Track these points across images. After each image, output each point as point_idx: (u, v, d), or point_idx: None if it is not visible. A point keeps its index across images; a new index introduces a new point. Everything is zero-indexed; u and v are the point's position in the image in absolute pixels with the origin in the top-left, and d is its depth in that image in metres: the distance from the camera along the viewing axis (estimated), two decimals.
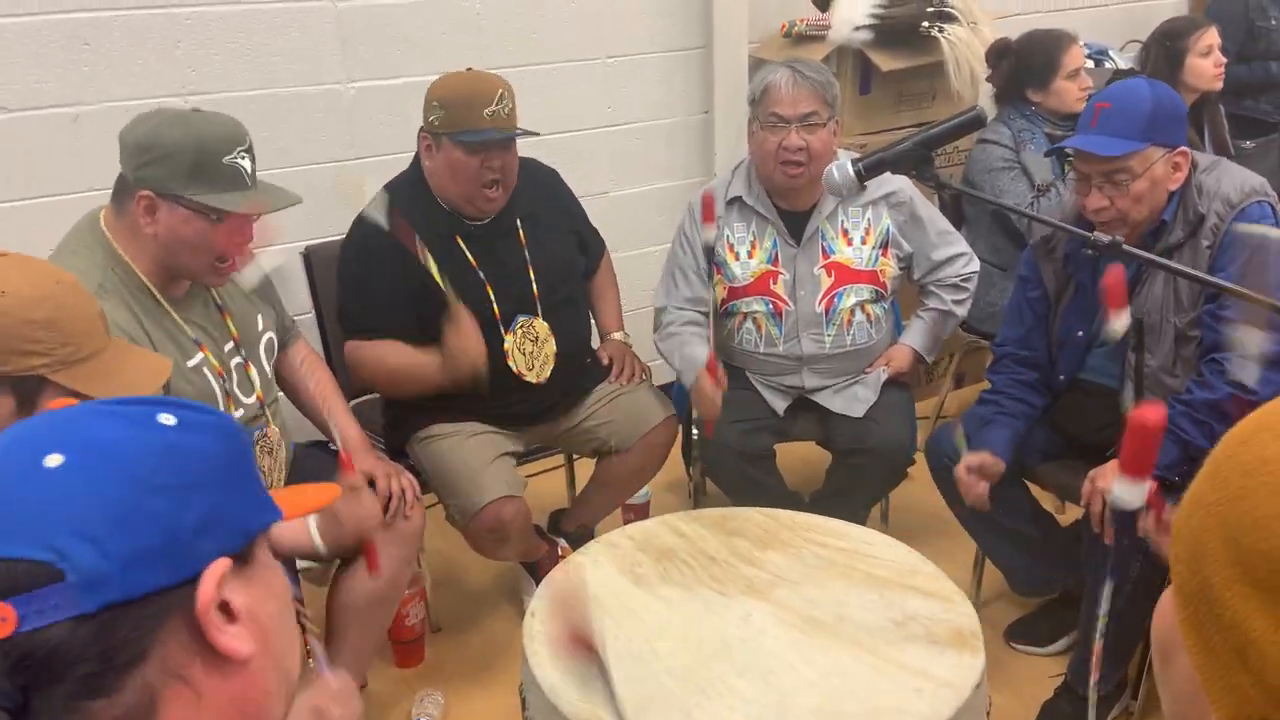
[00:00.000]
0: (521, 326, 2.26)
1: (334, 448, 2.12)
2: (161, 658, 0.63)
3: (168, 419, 0.68)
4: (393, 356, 2.19)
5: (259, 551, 0.71)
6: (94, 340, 1.33)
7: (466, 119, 2.09)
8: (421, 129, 2.20)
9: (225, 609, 0.66)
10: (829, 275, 2.33)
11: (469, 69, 2.21)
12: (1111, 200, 1.87)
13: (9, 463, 0.64)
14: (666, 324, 2.43)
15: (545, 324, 2.28)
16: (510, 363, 2.24)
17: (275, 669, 0.70)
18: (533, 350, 2.26)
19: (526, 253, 2.28)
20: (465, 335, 2.09)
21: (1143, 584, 1.96)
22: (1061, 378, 2.10)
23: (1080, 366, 2.09)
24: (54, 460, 0.63)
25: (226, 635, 0.65)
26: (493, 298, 2.22)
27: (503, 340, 2.23)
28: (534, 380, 2.27)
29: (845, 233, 2.34)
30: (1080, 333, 2.05)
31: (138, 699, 0.62)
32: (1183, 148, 1.90)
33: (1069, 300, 2.06)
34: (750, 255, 2.36)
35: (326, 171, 2.69)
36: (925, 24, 3.05)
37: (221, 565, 0.65)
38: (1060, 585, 2.34)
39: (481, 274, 2.22)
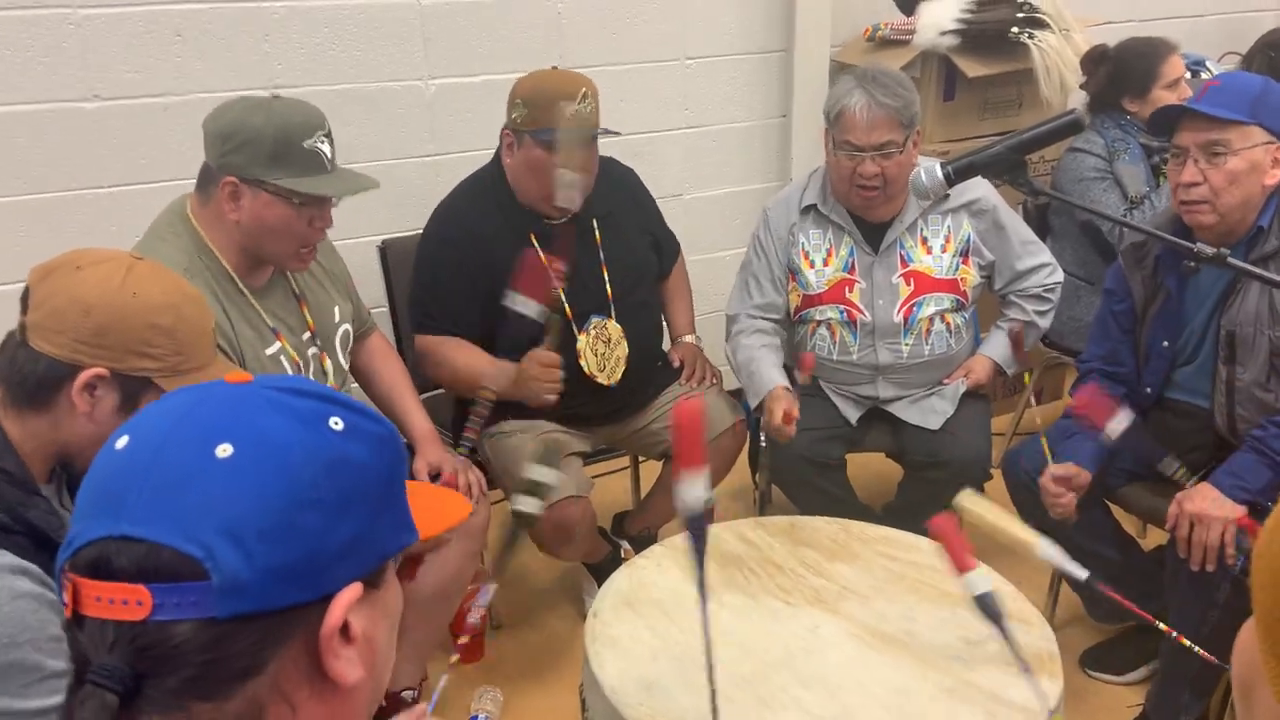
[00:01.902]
0: (595, 328, 2.24)
1: (403, 440, 2.14)
2: (275, 674, 0.62)
3: (337, 423, 0.66)
4: (462, 358, 2.19)
5: (388, 573, 0.70)
6: (203, 354, 1.35)
7: (549, 118, 2.08)
8: (505, 127, 2.20)
9: (344, 630, 0.64)
10: (908, 284, 2.27)
11: (553, 67, 2.20)
12: (1205, 175, 1.80)
13: (180, 443, 0.63)
14: (736, 332, 2.40)
15: (619, 326, 2.27)
16: (582, 363, 2.22)
17: (373, 690, 0.69)
18: (605, 352, 2.25)
19: (601, 253, 2.27)
20: (546, 368, 2.08)
21: (1229, 612, 1.87)
22: (1149, 390, 2.02)
23: (1167, 379, 2.01)
24: (224, 451, 0.62)
25: (341, 660, 0.64)
26: (564, 298, 2.21)
27: (575, 340, 2.22)
28: (605, 382, 2.26)
29: (924, 240, 2.28)
30: (1166, 343, 1.97)
31: (243, 710, 0.61)
32: None
33: (1157, 310, 1.99)
34: (826, 263, 2.31)
35: (406, 167, 2.72)
36: (1015, 30, 2.97)
37: (354, 592, 0.64)
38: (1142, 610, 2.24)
39: (554, 274, 2.21)
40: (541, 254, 1.98)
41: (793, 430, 2.13)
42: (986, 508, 1.48)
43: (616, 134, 2.17)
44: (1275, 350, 1.84)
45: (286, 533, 0.61)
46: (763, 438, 2.49)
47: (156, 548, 0.59)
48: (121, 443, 0.65)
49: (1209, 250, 1.32)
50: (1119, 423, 1.63)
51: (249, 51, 2.48)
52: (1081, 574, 1.38)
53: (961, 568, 1.22)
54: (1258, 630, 0.59)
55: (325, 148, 1.72)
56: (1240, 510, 1.79)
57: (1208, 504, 1.80)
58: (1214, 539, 1.79)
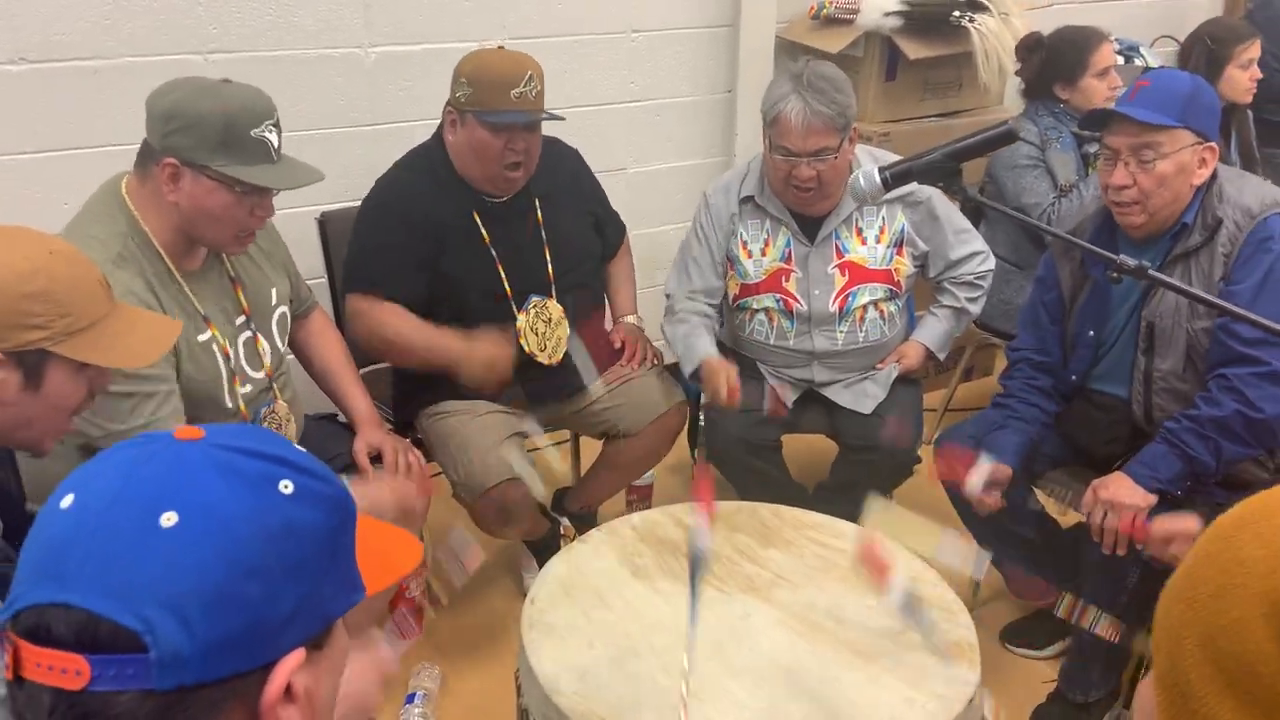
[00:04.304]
0: (535, 307, 2.25)
1: (342, 420, 2.14)
2: None
3: (287, 486, 0.66)
4: (396, 324, 2.16)
5: (334, 632, 0.70)
6: (95, 308, 1.32)
7: (493, 99, 2.07)
8: (448, 103, 2.18)
9: (287, 691, 0.64)
10: (843, 274, 2.31)
11: (500, 46, 2.19)
12: (1135, 179, 1.85)
13: (124, 508, 0.62)
14: (676, 311, 2.42)
15: (559, 306, 2.28)
16: (523, 342, 2.23)
17: None
18: (545, 331, 2.26)
19: (543, 233, 2.27)
20: (498, 353, 2.09)
21: (1139, 594, 1.97)
22: (1073, 378, 2.10)
23: (1091, 366, 2.08)
24: (169, 520, 0.61)
25: None
26: (504, 276, 2.21)
27: (515, 319, 2.22)
28: (546, 361, 2.27)
29: (859, 232, 2.32)
30: (1091, 332, 2.04)
31: None
32: (1212, 143, 1.88)
33: (1084, 299, 2.05)
34: (763, 254, 2.34)
35: (345, 137, 2.68)
36: (956, 13, 3.01)
37: (296, 658, 0.64)
38: (1062, 587, 2.34)
39: (494, 252, 2.21)
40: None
41: (738, 399, 2.15)
42: (893, 517, 1.58)
43: (561, 119, 2.16)
44: (1193, 343, 1.91)
45: (229, 604, 0.61)
46: (701, 417, 2.53)
47: (95, 619, 0.59)
48: (66, 501, 0.64)
49: (1130, 262, 1.37)
50: (978, 476, 1.72)
51: (183, 15, 2.41)
52: (979, 574, 1.48)
53: (881, 586, 1.31)
54: (1155, 690, 0.62)
55: (272, 137, 1.70)
56: (1151, 499, 1.88)
57: (1121, 492, 1.88)
58: (1125, 525, 1.88)
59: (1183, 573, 0.62)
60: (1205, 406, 1.86)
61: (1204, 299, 1.43)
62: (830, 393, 2.40)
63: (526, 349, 2.24)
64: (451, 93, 2.16)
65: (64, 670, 0.59)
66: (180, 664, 0.60)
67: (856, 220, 2.31)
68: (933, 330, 2.44)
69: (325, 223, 2.49)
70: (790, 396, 2.43)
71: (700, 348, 2.30)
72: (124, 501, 0.62)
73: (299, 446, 0.73)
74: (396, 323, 2.16)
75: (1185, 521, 1.61)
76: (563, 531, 2.51)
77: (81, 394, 1.36)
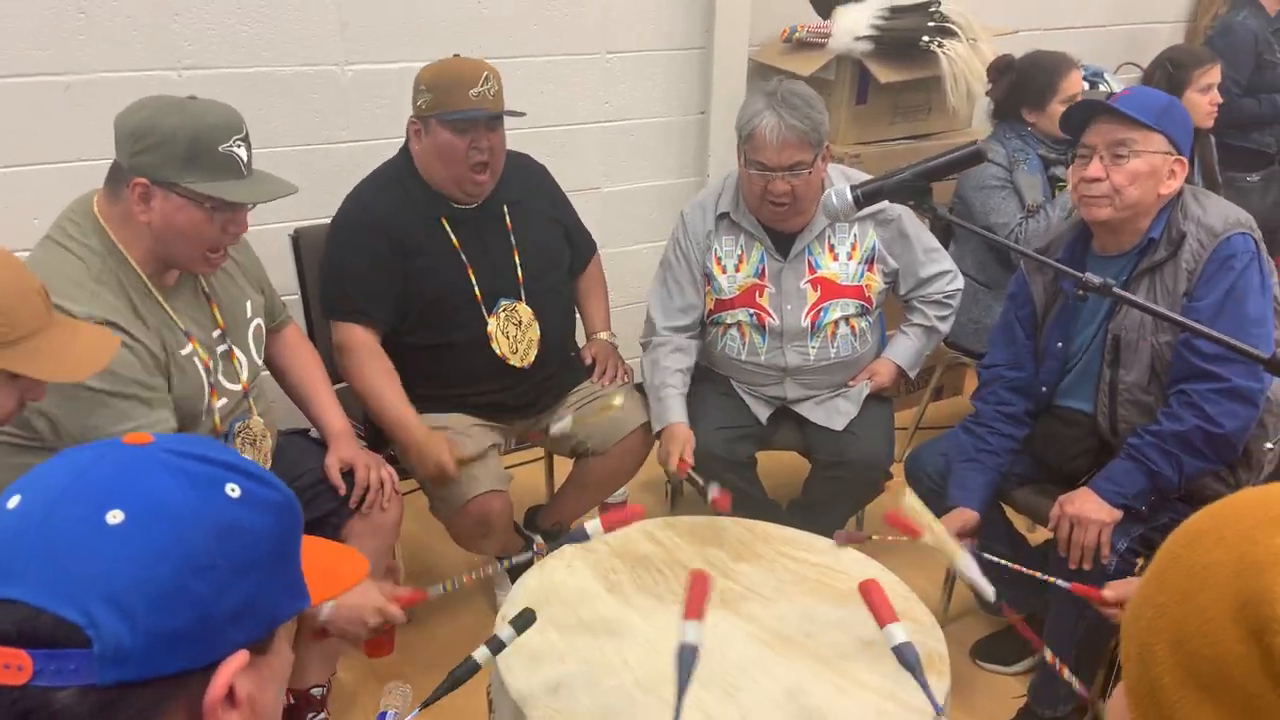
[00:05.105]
0: (505, 310, 2.27)
1: (315, 435, 2.13)
2: None
3: (234, 490, 0.66)
4: (378, 388, 2.19)
5: (278, 638, 0.70)
6: (30, 319, 1.30)
7: (453, 100, 2.11)
8: (411, 116, 2.21)
9: (229, 695, 0.64)
10: (815, 290, 2.34)
11: (455, 55, 2.22)
12: (1108, 173, 1.90)
13: (71, 506, 0.62)
14: (656, 344, 2.44)
15: (529, 309, 2.29)
16: (493, 345, 2.25)
17: None
18: (516, 334, 2.28)
19: (512, 238, 2.30)
20: (449, 457, 2.12)
21: (1086, 645, 2.00)
22: (1044, 389, 2.13)
23: (1059, 379, 2.11)
24: (115, 517, 0.61)
25: None
26: (474, 280, 2.23)
27: (485, 323, 2.24)
28: (518, 364, 2.28)
29: (832, 248, 2.35)
30: (1060, 344, 2.08)
31: None
32: (1183, 158, 1.93)
33: (1055, 314, 2.09)
34: (738, 269, 2.36)
35: (320, 153, 2.68)
36: (925, 38, 3.06)
37: (240, 659, 0.64)
38: (1027, 606, 2.37)
39: (464, 256, 2.23)
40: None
41: (684, 474, 2.22)
42: (926, 511, 1.65)
43: (521, 114, 2.19)
44: (1156, 356, 1.95)
45: (173, 600, 0.61)
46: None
47: (38, 612, 0.59)
48: (13, 502, 0.64)
49: (1095, 280, 1.40)
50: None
51: (156, 31, 2.41)
52: (989, 591, 1.57)
53: (883, 622, 1.35)
54: (1127, 699, 0.62)
55: (241, 151, 1.69)
56: (1116, 514, 1.91)
57: (1087, 507, 1.91)
58: (1090, 540, 1.90)
59: (1148, 580, 0.63)
60: (1167, 421, 1.90)
61: (1165, 315, 1.46)
62: (803, 409, 2.42)
63: (498, 352, 2.26)
64: (413, 104, 2.19)
65: (6, 665, 0.58)
66: (123, 659, 0.59)
67: (829, 237, 2.34)
68: (903, 348, 2.47)
69: (299, 239, 2.48)
70: (764, 413, 2.44)
71: (672, 413, 2.33)
72: (70, 500, 0.62)
73: (246, 454, 0.74)
74: (379, 386, 2.19)
75: (1135, 586, 1.63)
76: (536, 548, 2.50)
77: (11, 405, 1.35)
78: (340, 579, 0.78)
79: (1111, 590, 1.62)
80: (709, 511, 2.39)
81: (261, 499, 0.68)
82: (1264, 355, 1.28)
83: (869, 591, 1.39)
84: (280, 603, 0.69)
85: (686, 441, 2.27)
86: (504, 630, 1.37)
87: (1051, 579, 1.77)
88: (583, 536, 1.66)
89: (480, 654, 1.35)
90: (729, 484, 2.37)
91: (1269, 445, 1.88)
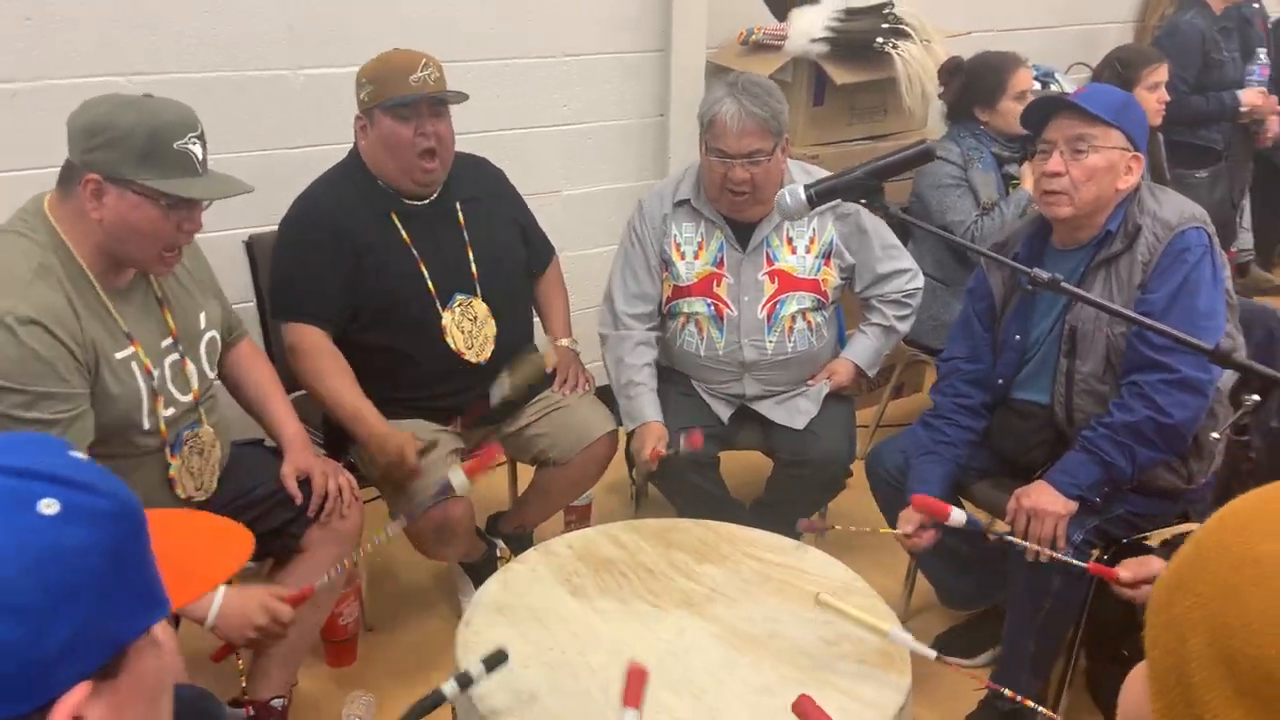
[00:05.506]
0: (460, 305, 2.26)
1: (271, 445, 2.10)
2: None
3: (50, 506, 0.58)
4: (334, 384, 2.17)
5: (129, 657, 0.62)
6: None
7: (394, 87, 2.12)
8: (356, 114, 2.21)
9: None
10: (772, 282, 2.35)
11: (394, 49, 2.21)
12: (1068, 168, 1.93)
13: None
14: (619, 338, 2.43)
15: (485, 305, 2.28)
16: (449, 340, 2.23)
17: None
18: (472, 329, 2.27)
19: (466, 234, 2.29)
20: (410, 450, 2.10)
21: (1062, 599, 2.02)
22: (1000, 381, 2.15)
23: (1017, 371, 2.14)
24: None
25: None
26: (427, 275, 2.22)
27: (440, 318, 2.22)
28: (474, 360, 2.27)
29: (790, 241, 2.36)
30: (1018, 336, 2.10)
31: None
32: (1139, 154, 1.97)
33: (1014, 307, 2.12)
34: (696, 256, 2.38)
35: (273, 159, 2.65)
36: (880, 40, 3.09)
37: (79, 693, 0.58)
38: (987, 600, 2.40)
39: (416, 252, 2.22)
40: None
41: (654, 467, 2.25)
42: (843, 607, 1.63)
43: (464, 96, 2.18)
44: (1111, 346, 1.98)
45: None
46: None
47: None
48: None
49: (1044, 275, 1.42)
50: (958, 515, 1.81)
51: (103, 38, 2.37)
52: (930, 653, 1.56)
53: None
54: (1150, 686, 0.58)
55: (197, 149, 1.68)
56: (1072, 506, 1.94)
57: (1043, 500, 1.94)
58: (1047, 532, 1.93)
59: (1187, 564, 0.58)
60: (1118, 413, 1.93)
61: (1108, 308, 1.50)
62: (763, 408, 2.43)
63: (454, 347, 2.25)
64: (357, 100, 2.19)
65: None
66: None
67: (787, 229, 2.36)
68: (862, 348, 2.49)
69: (253, 245, 2.46)
70: (726, 413, 2.45)
71: (645, 411, 2.35)
72: None
73: (77, 453, 0.65)
74: (334, 384, 2.17)
75: (1152, 565, 1.66)
76: (499, 554, 2.49)
77: None
78: (210, 572, 0.71)
79: (1127, 570, 1.65)
80: (673, 514, 2.40)
81: (88, 510, 0.60)
82: (1208, 347, 1.30)
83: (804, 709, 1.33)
84: (122, 621, 0.61)
85: (660, 437, 2.28)
86: (474, 666, 1.37)
87: (1066, 559, 1.80)
88: (447, 490, 1.88)
89: (448, 688, 1.35)
90: (692, 484, 2.39)
91: (1214, 435, 1.92)
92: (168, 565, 0.66)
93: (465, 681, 1.36)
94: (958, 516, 1.81)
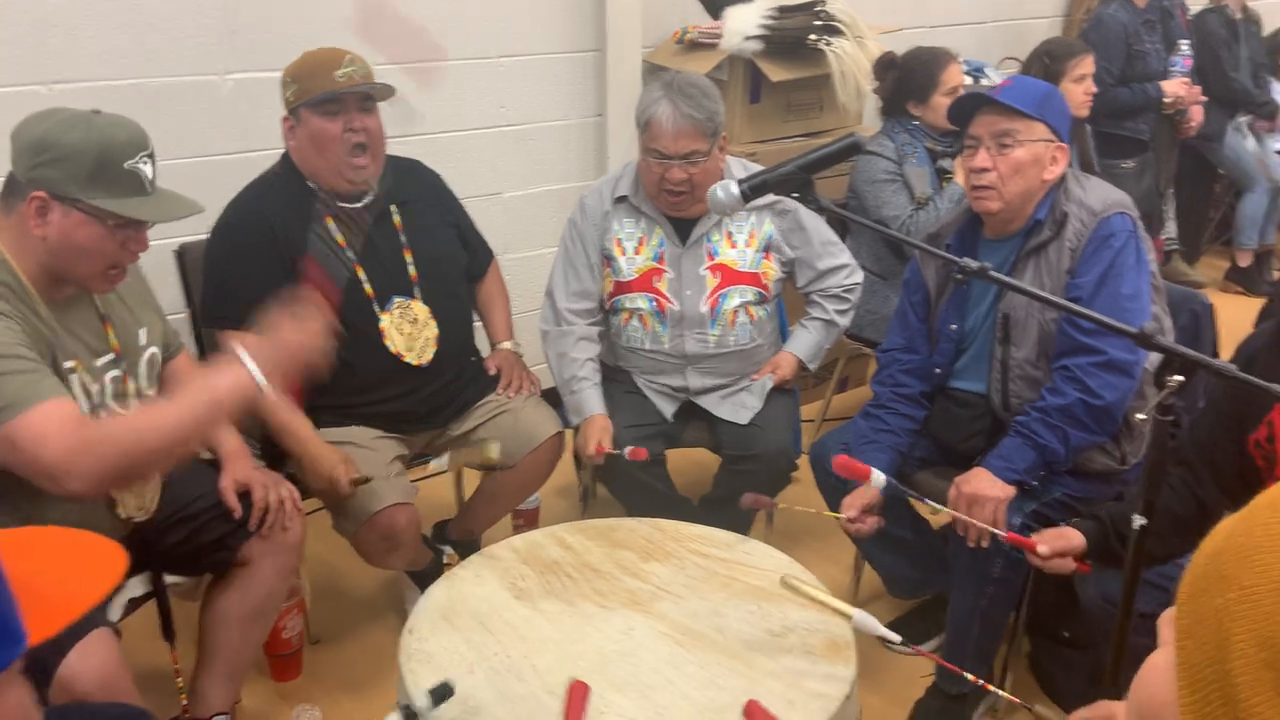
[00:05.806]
0: (399, 307, 2.24)
1: (207, 457, 2.06)
2: None
3: None
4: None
5: None
6: None
7: (318, 84, 2.10)
8: (284, 115, 2.18)
9: None
10: (714, 276, 2.37)
11: (319, 47, 2.19)
12: (994, 163, 1.97)
13: None
14: (560, 333, 2.43)
15: (425, 307, 2.26)
16: (388, 342, 2.21)
17: None
18: (412, 332, 2.24)
19: (402, 237, 2.27)
20: (344, 469, 2.07)
21: (1003, 584, 2.06)
22: (938, 371, 2.19)
23: (954, 360, 2.17)
24: None
25: None
26: (364, 278, 2.20)
27: (378, 320, 2.20)
28: (415, 362, 2.25)
29: (730, 235, 2.38)
30: (954, 326, 2.14)
31: None
32: (1064, 144, 2.01)
33: (948, 297, 2.15)
34: (637, 252, 2.38)
35: (206, 165, 2.60)
36: (813, 36, 3.12)
37: None
38: (933, 588, 2.43)
39: (351, 254, 2.20)
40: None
41: (600, 461, 2.26)
42: (810, 590, 1.68)
43: (391, 90, 2.16)
44: (1044, 332, 2.03)
45: None
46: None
47: None
48: None
49: (973, 264, 1.44)
50: (876, 478, 1.84)
51: (18, 45, 2.30)
52: (895, 638, 1.63)
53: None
54: (1179, 680, 0.54)
55: (147, 168, 1.65)
56: (1010, 490, 1.97)
57: (981, 486, 1.97)
58: (986, 517, 1.96)
59: (1230, 554, 0.53)
60: (1050, 396, 1.97)
61: (1037, 295, 1.53)
62: (708, 404, 2.44)
63: (394, 349, 2.22)
64: (283, 101, 2.16)
65: None
66: None
67: (727, 225, 2.37)
68: (804, 342, 2.51)
69: (184, 254, 2.41)
70: (669, 410, 2.46)
71: (590, 405, 2.36)
72: None
73: None
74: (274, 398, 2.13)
75: (1071, 537, 1.70)
76: (446, 560, 2.47)
77: None
78: (77, 597, 0.67)
79: (1044, 543, 1.68)
80: (622, 514, 2.39)
81: None
82: (1132, 330, 1.33)
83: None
84: None
85: (605, 430, 2.29)
86: (421, 700, 1.35)
87: (991, 529, 1.87)
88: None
89: None
90: (640, 482, 2.39)
91: (1140, 416, 1.96)
92: (27, 593, 0.62)
93: (409, 717, 1.35)
94: (878, 479, 1.83)
